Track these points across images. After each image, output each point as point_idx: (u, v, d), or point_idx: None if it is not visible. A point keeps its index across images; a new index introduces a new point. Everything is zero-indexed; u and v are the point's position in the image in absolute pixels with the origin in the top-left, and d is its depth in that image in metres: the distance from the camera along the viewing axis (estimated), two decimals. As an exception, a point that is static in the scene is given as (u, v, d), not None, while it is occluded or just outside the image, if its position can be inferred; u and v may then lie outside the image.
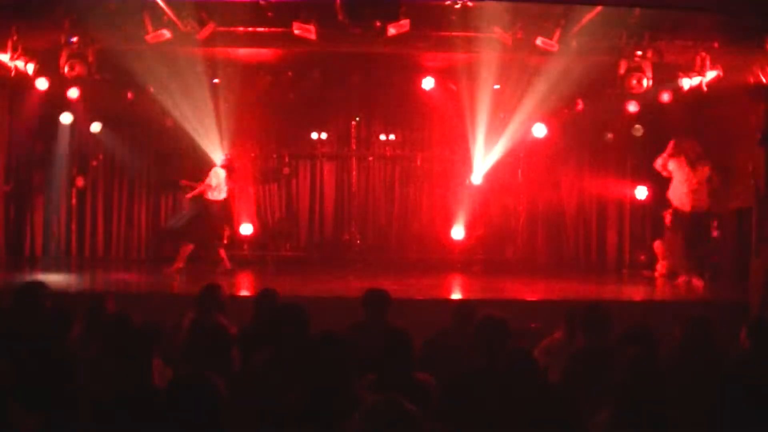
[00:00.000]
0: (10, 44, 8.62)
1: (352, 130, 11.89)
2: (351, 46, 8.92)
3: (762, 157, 9.14)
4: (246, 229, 11.52)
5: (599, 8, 8.01)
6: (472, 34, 8.79)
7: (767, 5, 7.55)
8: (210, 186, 10.00)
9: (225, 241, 10.35)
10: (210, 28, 8.49)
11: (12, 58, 8.68)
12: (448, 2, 8.12)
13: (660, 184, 11.04)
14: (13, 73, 8.86)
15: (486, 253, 11.76)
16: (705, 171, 9.48)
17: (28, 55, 8.77)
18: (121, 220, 11.55)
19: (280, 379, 3.50)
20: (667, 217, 10.74)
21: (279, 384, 3.36)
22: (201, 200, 10.07)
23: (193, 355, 4.98)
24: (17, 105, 10.23)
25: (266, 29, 8.73)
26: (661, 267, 10.71)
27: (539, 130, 11.39)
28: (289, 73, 10.39)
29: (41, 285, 5.21)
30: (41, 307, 4.96)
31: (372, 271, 10.23)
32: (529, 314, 6.72)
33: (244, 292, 8.25)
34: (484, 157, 11.77)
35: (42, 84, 9.46)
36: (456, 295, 8.76)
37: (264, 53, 9.73)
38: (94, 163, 11.42)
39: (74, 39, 8.61)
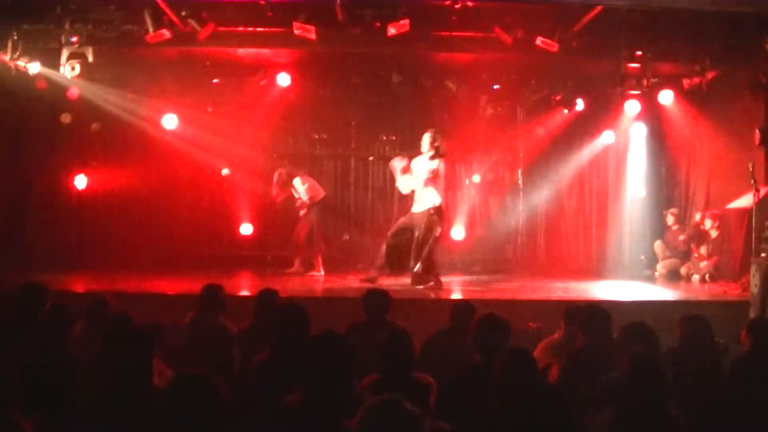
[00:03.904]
0: (10, 44, 8.62)
1: (352, 130, 11.88)
2: (351, 46, 8.91)
3: (762, 157, 9.15)
4: (246, 229, 11.52)
5: (599, 8, 8.02)
6: (472, 34, 8.79)
7: (767, 5, 7.56)
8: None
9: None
10: (210, 28, 8.49)
11: (12, 58, 8.68)
12: (448, 2, 8.12)
13: (660, 184, 11.05)
14: (13, 73, 8.86)
15: (486, 253, 11.74)
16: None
17: (28, 55, 8.76)
18: (121, 220, 11.53)
19: (280, 379, 3.50)
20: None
21: (279, 384, 3.35)
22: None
23: (193, 355, 5.00)
24: (17, 105, 10.21)
25: (266, 29, 8.73)
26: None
27: (539, 130, 11.40)
28: (290, 73, 10.37)
29: (41, 285, 5.21)
30: (41, 307, 4.97)
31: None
32: (529, 314, 6.72)
33: (244, 292, 8.24)
34: (484, 157, 11.76)
35: (42, 84, 9.45)
36: (456, 295, 8.74)
37: (264, 53, 9.73)
38: (94, 162, 11.40)
39: (74, 39, 8.60)
